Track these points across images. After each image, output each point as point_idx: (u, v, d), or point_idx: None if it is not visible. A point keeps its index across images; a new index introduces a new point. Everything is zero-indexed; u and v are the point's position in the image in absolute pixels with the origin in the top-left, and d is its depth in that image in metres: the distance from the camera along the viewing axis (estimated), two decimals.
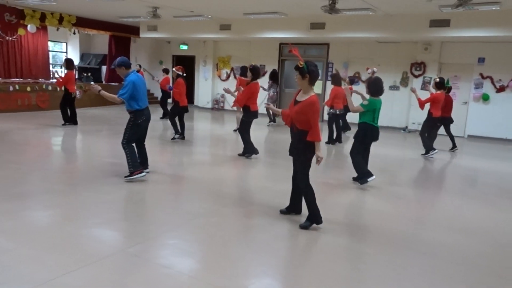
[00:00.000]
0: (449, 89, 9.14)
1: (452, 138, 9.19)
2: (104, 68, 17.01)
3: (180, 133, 8.77)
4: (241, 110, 7.47)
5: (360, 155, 5.85)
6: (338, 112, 9.16)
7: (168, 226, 4.08)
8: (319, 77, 3.99)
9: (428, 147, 8.18)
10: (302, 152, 4.00)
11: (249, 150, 7.35)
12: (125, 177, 5.46)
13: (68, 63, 9.77)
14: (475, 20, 9.79)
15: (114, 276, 3.05)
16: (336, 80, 9.23)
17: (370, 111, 5.65)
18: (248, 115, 7.16)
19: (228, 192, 5.39)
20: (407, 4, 9.43)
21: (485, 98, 11.23)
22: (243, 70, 10.10)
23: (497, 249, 3.96)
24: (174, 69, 8.85)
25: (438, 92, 7.99)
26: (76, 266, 3.12)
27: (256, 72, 7.23)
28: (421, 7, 9.62)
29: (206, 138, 10.23)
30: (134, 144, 5.60)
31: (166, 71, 12.37)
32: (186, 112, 8.90)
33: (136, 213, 4.50)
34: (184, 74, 8.70)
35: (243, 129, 7.32)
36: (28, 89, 12.19)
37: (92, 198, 4.79)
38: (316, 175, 6.05)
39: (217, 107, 15.80)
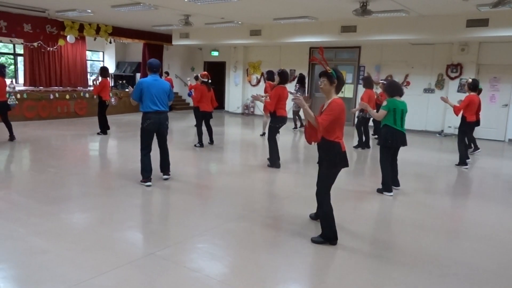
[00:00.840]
0: (480, 91, 8.76)
1: (473, 140, 8.98)
2: (138, 75, 17.49)
3: (199, 143, 8.71)
4: (268, 115, 7.43)
5: (387, 161, 5.62)
6: (368, 116, 8.98)
7: (197, 230, 4.12)
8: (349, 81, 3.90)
9: (463, 158, 7.73)
10: (327, 163, 3.87)
11: (272, 160, 7.14)
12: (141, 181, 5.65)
13: (102, 70, 10.04)
14: None
15: (143, 278, 3.10)
16: (368, 83, 9.07)
17: (391, 112, 5.45)
18: (274, 120, 6.98)
19: (256, 198, 5.38)
20: (442, 4, 9.15)
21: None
22: (270, 75, 10.12)
23: None
24: (199, 75, 8.94)
25: (472, 94, 7.56)
26: (108, 267, 3.21)
27: (284, 76, 7.05)
28: (457, 7, 9.31)
29: (234, 143, 10.29)
30: (149, 151, 5.61)
31: (197, 78, 12.48)
32: (208, 117, 8.91)
33: (165, 217, 4.58)
34: (209, 80, 8.74)
35: (270, 136, 7.14)
36: (67, 97, 12.71)
37: (125, 202, 4.92)
38: (343, 181, 5.97)
39: (247, 112, 15.89)
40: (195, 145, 8.77)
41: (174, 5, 10.59)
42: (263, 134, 10.61)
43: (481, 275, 3.38)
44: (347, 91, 13.59)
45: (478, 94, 8.60)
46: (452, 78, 11.61)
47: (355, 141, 9.51)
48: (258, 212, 4.74)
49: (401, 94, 5.63)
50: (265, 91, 10.41)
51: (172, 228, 4.19)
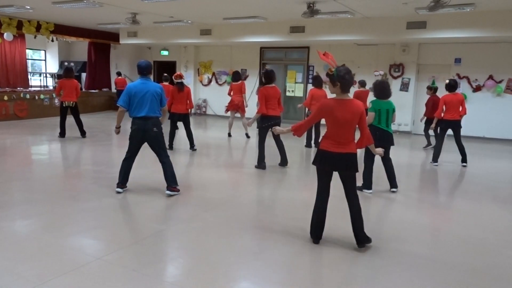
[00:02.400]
0: (436, 89, 9.31)
1: (428, 137, 9.51)
2: (84, 75, 16.81)
3: (169, 146, 8.35)
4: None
5: (371, 160, 5.70)
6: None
7: (146, 232, 4.04)
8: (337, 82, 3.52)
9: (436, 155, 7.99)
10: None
11: (259, 162, 7.06)
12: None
13: (63, 71, 9.49)
14: (450, 22, 10.01)
15: (91, 284, 3.00)
16: (317, 82, 9.30)
17: (376, 112, 5.55)
18: (262, 120, 6.89)
19: (212, 197, 5.37)
20: (384, 7, 9.59)
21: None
22: (236, 76, 10.18)
23: None
24: (173, 76, 8.65)
25: (448, 94, 7.71)
26: (52, 275, 3.07)
27: (267, 76, 6.99)
28: (398, 10, 9.80)
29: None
30: (130, 157, 5.27)
31: (166, 79, 11.81)
32: (178, 119, 8.49)
33: (115, 220, 4.44)
34: (179, 81, 8.37)
35: (260, 137, 7.07)
36: (5, 98, 11.96)
37: (72, 207, 4.73)
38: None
39: (199, 112, 15.75)
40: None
41: (120, 3, 10.28)
42: (241, 134, 10.47)
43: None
44: (298, 90, 13.87)
45: (434, 92, 9.16)
46: (395, 78, 12.20)
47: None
48: (211, 212, 4.73)
49: (386, 96, 5.66)
50: (229, 93, 10.37)
51: (121, 232, 4.08)
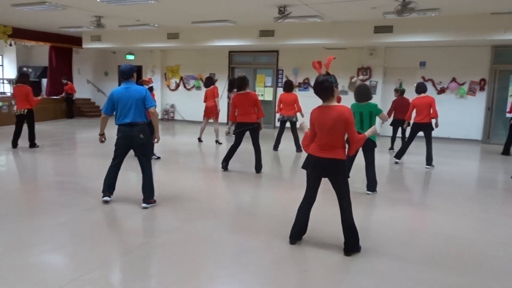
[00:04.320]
0: (403, 91, 9.51)
1: (394, 140, 9.65)
2: (44, 81, 16.07)
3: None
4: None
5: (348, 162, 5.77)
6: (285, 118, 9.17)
7: (126, 247, 3.81)
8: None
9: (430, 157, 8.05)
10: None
11: (223, 160, 7.13)
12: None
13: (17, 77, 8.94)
14: (416, 26, 10.30)
15: None
16: (287, 86, 9.31)
17: (356, 116, 5.49)
18: (235, 126, 6.92)
19: (192, 206, 5.17)
20: (353, 11, 9.73)
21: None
22: (208, 81, 9.99)
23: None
24: (142, 81, 8.38)
25: (419, 96, 7.92)
26: None
27: (237, 84, 6.93)
28: (366, 14, 9.97)
29: (169, 151, 9.88)
30: (115, 164, 5.04)
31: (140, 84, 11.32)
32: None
33: (91, 236, 4.16)
34: (148, 86, 8.18)
35: (235, 140, 7.04)
36: None
37: (40, 222, 4.41)
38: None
39: (167, 117, 15.41)
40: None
41: (84, 5, 9.88)
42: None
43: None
44: (267, 94, 13.85)
45: (401, 95, 9.35)
46: (363, 81, 12.41)
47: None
48: (193, 222, 4.54)
49: (365, 99, 5.63)
50: (205, 99, 10.13)
51: (99, 248, 3.82)
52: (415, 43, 11.11)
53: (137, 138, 4.85)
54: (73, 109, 15.31)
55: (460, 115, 11.55)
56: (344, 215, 3.72)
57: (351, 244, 3.73)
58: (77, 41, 15.30)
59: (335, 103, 3.65)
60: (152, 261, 3.60)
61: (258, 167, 7.06)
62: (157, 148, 9.60)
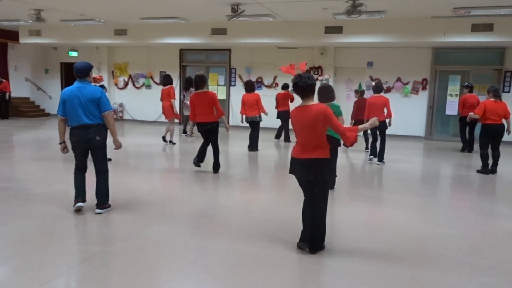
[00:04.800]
0: (363, 92, 9.74)
1: (367, 140, 9.70)
2: None
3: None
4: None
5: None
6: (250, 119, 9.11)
7: (82, 256, 3.56)
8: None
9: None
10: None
11: (197, 156, 6.97)
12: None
13: None
14: (363, 27, 10.66)
15: None
16: (248, 87, 9.28)
17: None
18: (196, 126, 6.82)
19: (149, 210, 4.95)
20: (305, 12, 9.87)
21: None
22: (167, 79, 9.65)
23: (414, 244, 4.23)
24: (92, 78, 7.90)
25: (375, 95, 8.07)
26: None
27: (194, 83, 6.76)
28: (317, 15, 10.16)
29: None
30: (79, 170, 4.70)
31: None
32: None
33: (40, 246, 3.84)
34: (98, 84, 7.82)
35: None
36: None
37: None
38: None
39: (115, 117, 14.76)
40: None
41: None
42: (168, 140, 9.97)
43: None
44: (220, 93, 13.71)
45: (361, 95, 9.53)
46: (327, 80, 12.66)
47: None
48: (150, 226, 4.35)
49: (327, 100, 5.49)
50: (162, 98, 9.75)
51: (49, 260, 3.53)
52: (363, 44, 11.50)
53: (93, 140, 4.55)
54: (8, 109, 14.24)
55: (405, 113, 12.10)
56: (319, 212, 3.71)
57: (320, 241, 3.74)
58: (12, 35, 14.25)
59: (312, 102, 3.62)
60: (110, 271, 3.39)
61: (216, 167, 6.94)
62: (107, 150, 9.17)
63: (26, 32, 13.75)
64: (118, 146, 4.83)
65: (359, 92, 9.77)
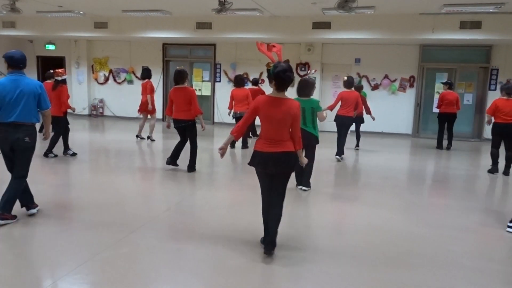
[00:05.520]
0: (360, 88, 9.57)
1: (359, 137, 9.59)
2: None
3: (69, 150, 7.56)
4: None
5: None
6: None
7: (65, 268, 3.24)
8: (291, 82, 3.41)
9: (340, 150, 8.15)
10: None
11: (170, 156, 6.72)
12: None
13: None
14: (352, 23, 10.50)
15: None
16: (237, 82, 9.02)
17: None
18: (173, 122, 6.59)
19: (133, 213, 4.64)
20: (292, 6, 9.63)
21: (363, 95, 12.13)
22: (146, 73, 9.30)
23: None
24: (53, 72, 7.50)
25: (345, 90, 8.01)
26: None
27: (175, 77, 6.50)
28: (305, 9, 9.93)
29: (87, 150, 9.01)
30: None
31: (50, 76, 9.99)
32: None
33: (20, 257, 3.50)
34: (59, 78, 7.38)
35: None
36: None
37: None
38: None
39: (95, 113, 14.24)
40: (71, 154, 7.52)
41: None
42: (144, 137, 9.72)
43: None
44: (205, 89, 13.38)
45: (359, 91, 9.26)
46: (301, 76, 12.43)
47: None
48: (138, 231, 4.04)
49: (306, 94, 5.43)
50: (143, 92, 9.36)
51: (32, 271, 3.20)
52: (351, 40, 11.35)
53: (21, 141, 4.05)
54: None
55: (392, 111, 12.04)
56: (277, 209, 3.58)
57: (274, 238, 3.56)
58: None
59: (286, 96, 3.48)
60: (98, 283, 3.08)
61: (191, 166, 6.65)
62: (83, 147, 8.81)
63: (0, 24, 13.06)
64: (47, 137, 4.65)
65: (357, 88, 9.60)
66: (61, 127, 7.46)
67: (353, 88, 8.20)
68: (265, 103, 3.43)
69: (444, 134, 10.00)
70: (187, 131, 6.56)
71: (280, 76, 3.35)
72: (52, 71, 8.26)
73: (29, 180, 4.31)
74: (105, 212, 4.60)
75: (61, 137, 7.51)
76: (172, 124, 6.74)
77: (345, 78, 8.22)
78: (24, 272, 3.18)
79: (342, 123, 7.98)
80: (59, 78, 7.36)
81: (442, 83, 10.22)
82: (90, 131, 11.68)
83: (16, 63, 4.03)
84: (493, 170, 7.32)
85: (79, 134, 10.40)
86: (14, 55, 4.04)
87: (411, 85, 11.95)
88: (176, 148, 6.68)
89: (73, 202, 5.03)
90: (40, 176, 6.06)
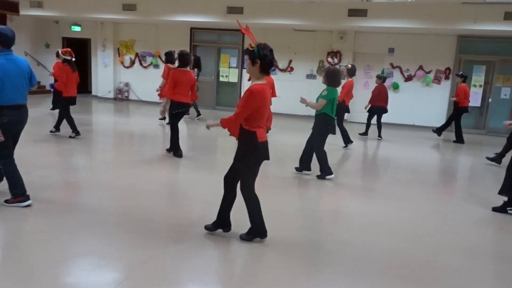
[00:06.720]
0: (385, 79, 9.35)
1: (380, 127, 9.39)
2: None
3: (75, 131, 7.43)
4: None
5: (323, 148, 5.62)
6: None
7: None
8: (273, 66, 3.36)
9: (347, 139, 8.08)
10: (240, 154, 3.40)
11: (174, 148, 6.57)
12: (6, 201, 4.01)
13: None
14: (389, 11, 10.14)
15: None
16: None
17: (330, 101, 5.38)
18: (172, 106, 6.37)
19: (152, 201, 4.49)
20: None
21: (395, 87, 11.84)
22: (169, 57, 9.06)
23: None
24: (60, 52, 7.34)
25: (349, 79, 7.92)
26: None
27: (182, 59, 6.37)
28: None
29: (111, 134, 8.90)
30: (13, 159, 4.03)
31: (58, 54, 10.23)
32: (72, 104, 7.47)
33: (23, 251, 3.34)
34: (73, 59, 7.28)
35: (171, 124, 6.57)
36: None
37: None
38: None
39: (120, 97, 14.13)
40: (70, 136, 7.36)
41: None
42: (163, 118, 9.56)
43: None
44: (232, 75, 13.14)
45: (383, 82, 9.14)
46: (332, 65, 12.11)
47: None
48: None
49: (339, 85, 5.57)
50: (164, 76, 9.19)
51: (25, 270, 3.05)
52: (385, 29, 10.99)
53: (25, 123, 4.08)
54: None
55: (425, 103, 11.70)
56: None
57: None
58: (12, 6, 13.35)
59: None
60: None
61: (175, 149, 6.54)
62: (106, 133, 8.74)
63: (27, 3, 12.91)
64: None
65: (382, 78, 9.35)
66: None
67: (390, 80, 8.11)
68: (265, 91, 3.27)
69: (451, 127, 9.94)
70: (182, 116, 6.59)
71: (268, 57, 3.22)
72: (59, 50, 7.82)
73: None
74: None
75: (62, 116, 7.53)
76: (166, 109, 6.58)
77: (349, 66, 7.99)
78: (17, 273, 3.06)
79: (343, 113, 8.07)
80: (70, 58, 7.19)
81: (458, 75, 9.85)
82: (116, 114, 11.58)
83: (10, 43, 3.89)
84: None
85: (104, 117, 10.29)
86: (8, 34, 3.85)
87: (447, 77, 11.56)
88: (175, 140, 6.53)
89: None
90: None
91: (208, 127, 3.49)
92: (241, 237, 3.55)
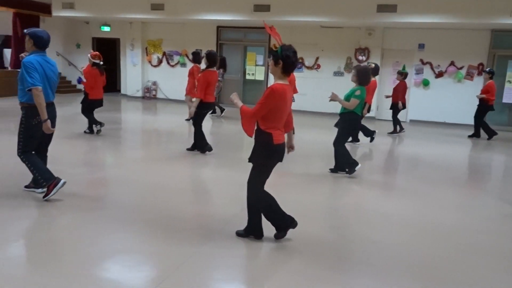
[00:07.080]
0: (406, 75, 9.20)
1: (398, 122, 9.38)
2: (7, 51, 14.50)
3: (90, 130, 7.67)
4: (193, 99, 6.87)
5: (344, 145, 5.62)
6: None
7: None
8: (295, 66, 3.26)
9: (368, 132, 7.97)
10: (254, 154, 3.35)
11: (199, 145, 6.60)
12: (44, 197, 4.12)
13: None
14: (420, 6, 9.89)
15: None
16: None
17: (362, 100, 5.29)
18: (201, 106, 6.36)
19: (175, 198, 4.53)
20: None
21: (426, 83, 11.55)
22: (196, 56, 9.12)
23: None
24: (89, 55, 7.47)
25: (373, 79, 7.68)
26: None
27: (212, 59, 6.40)
28: None
29: (139, 132, 9.06)
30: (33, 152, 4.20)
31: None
32: (98, 106, 7.66)
33: (56, 245, 3.40)
34: (101, 62, 7.44)
35: (196, 122, 6.55)
36: None
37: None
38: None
39: (148, 95, 14.37)
40: (84, 132, 7.62)
41: None
42: (189, 119, 9.65)
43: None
44: (258, 73, 13.14)
45: (405, 78, 9.03)
46: (360, 62, 11.93)
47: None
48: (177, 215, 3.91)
49: (369, 82, 5.60)
50: (189, 75, 9.29)
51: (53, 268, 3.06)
52: (415, 24, 10.72)
53: (55, 121, 4.20)
54: None
55: (457, 100, 11.36)
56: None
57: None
58: (45, 8, 13.82)
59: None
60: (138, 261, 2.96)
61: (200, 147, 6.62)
62: (134, 131, 8.90)
63: (60, 5, 13.28)
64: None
65: (403, 75, 9.14)
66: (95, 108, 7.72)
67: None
68: (285, 92, 3.21)
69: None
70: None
71: (291, 58, 3.19)
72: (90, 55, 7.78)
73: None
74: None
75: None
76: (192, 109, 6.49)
77: (372, 65, 7.84)
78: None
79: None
80: (98, 62, 7.34)
81: (485, 71, 9.53)
82: (143, 113, 11.78)
83: (45, 45, 4.08)
84: None
85: (132, 115, 10.48)
86: (44, 36, 4.04)
87: (480, 73, 11.18)
88: (201, 136, 6.56)
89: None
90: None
91: (231, 99, 3.53)
92: (237, 233, 3.56)
